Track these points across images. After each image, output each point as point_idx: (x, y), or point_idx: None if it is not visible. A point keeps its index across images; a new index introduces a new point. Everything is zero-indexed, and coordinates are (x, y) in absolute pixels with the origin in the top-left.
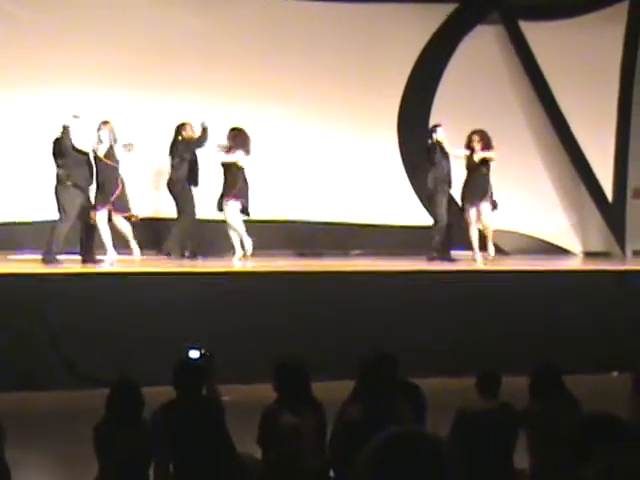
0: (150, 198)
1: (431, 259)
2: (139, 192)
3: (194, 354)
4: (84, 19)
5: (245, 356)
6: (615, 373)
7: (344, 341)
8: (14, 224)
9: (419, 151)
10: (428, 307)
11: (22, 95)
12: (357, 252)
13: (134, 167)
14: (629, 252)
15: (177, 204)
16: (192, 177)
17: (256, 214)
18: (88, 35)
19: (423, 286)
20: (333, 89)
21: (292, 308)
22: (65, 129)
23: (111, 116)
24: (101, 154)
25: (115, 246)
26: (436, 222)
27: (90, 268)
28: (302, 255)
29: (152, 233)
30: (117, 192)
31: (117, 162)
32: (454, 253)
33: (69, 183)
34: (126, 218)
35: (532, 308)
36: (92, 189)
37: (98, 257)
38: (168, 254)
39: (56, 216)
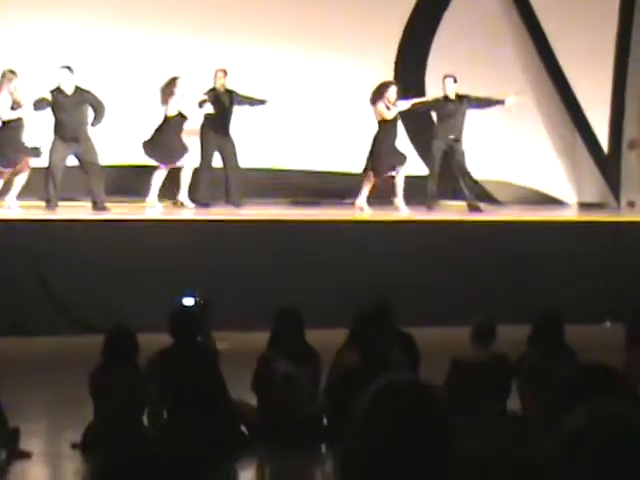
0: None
1: (429, 208)
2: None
3: (188, 301)
4: None
5: (241, 303)
6: (608, 323)
7: (340, 289)
8: None
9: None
10: (423, 257)
11: None
12: (352, 201)
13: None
14: (623, 203)
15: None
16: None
17: (252, 162)
18: None
19: (418, 235)
20: (325, 35)
21: (288, 256)
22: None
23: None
24: None
25: None
26: (431, 171)
27: (88, 215)
28: (297, 203)
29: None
30: None
31: None
32: (447, 203)
33: None
34: None
35: (528, 259)
36: None
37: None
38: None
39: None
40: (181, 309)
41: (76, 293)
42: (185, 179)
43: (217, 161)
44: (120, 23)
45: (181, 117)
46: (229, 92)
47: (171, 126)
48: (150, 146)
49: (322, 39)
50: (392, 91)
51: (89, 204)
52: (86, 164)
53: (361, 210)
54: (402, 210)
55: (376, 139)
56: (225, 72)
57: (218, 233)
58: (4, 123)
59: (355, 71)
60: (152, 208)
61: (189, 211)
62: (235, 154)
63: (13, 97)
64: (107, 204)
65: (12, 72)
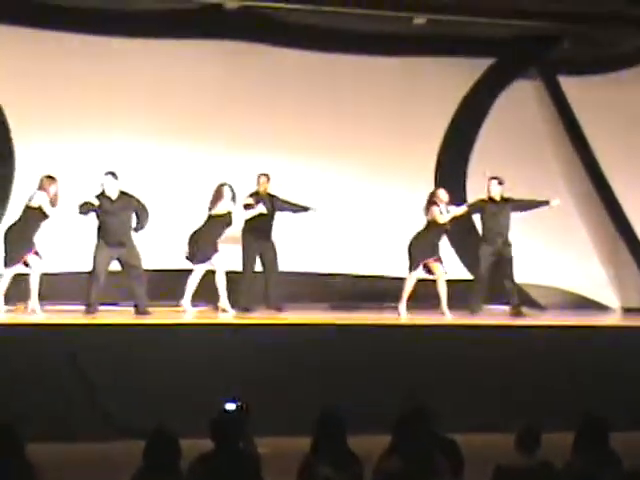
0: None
1: (473, 313)
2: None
3: (230, 406)
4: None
5: (282, 408)
6: None
7: (381, 394)
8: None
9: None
10: (466, 361)
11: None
12: (392, 305)
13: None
14: None
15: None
16: None
17: (292, 266)
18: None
19: (461, 340)
20: (370, 143)
21: (329, 360)
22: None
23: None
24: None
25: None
26: (476, 277)
27: (129, 319)
28: (337, 307)
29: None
30: None
31: None
32: (491, 308)
33: None
34: None
35: (571, 364)
36: None
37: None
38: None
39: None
40: (223, 414)
41: (118, 398)
42: (220, 283)
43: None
44: (165, 132)
45: (227, 219)
46: (271, 197)
47: (211, 227)
48: (188, 244)
49: (363, 146)
50: (442, 193)
51: (131, 308)
52: (129, 268)
53: (399, 314)
54: (446, 315)
55: (417, 238)
56: (268, 177)
57: (259, 337)
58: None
59: (394, 177)
60: (185, 312)
61: (230, 315)
62: (276, 259)
63: (52, 203)
64: (149, 308)
65: (50, 177)
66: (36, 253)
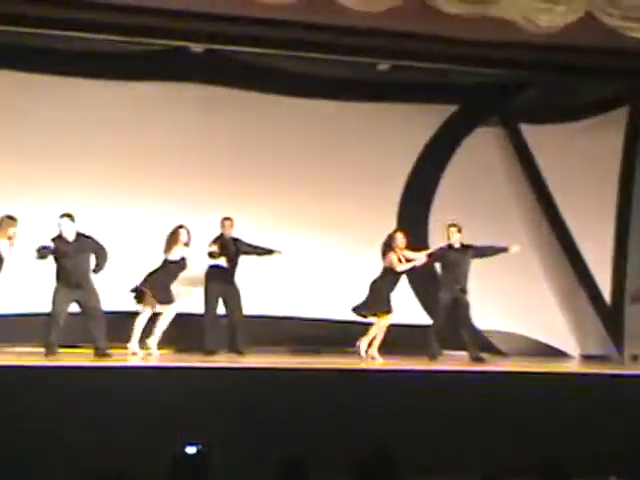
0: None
1: (432, 358)
2: None
3: (191, 450)
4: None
5: (243, 452)
6: (613, 478)
7: (343, 439)
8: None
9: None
10: (425, 407)
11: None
12: (354, 349)
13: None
14: (627, 356)
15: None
16: None
17: (252, 310)
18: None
19: (423, 385)
20: (334, 187)
21: (291, 405)
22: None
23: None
24: None
25: None
26: (434, 322)
27: (89, 361)
28: (299, 352)
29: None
30: None
31: None
32: (451, 354)
33: None
34: None
35: (531, 409)
36: None
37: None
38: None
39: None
40: (183, 457)
41: (77, 440)
42: (161, 326)
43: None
44: (122, 171)
45: (182, 264)
46: (235, 240)
47: (168, 271)
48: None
49: (326, 190)
50: (400, 239)
51: (90, 350)
52: (89, 310)
53: (372, 359)
54: (378, 359)
55: (376, 283)
56: (232, 221)
57: (220, 381)
58: None
59: (356, 221)
60: (133, 355)
61: (191, 358)
62: (240, 302)
63: (12, 244)
64: (108, 350)
65: (10, 218)
66: None
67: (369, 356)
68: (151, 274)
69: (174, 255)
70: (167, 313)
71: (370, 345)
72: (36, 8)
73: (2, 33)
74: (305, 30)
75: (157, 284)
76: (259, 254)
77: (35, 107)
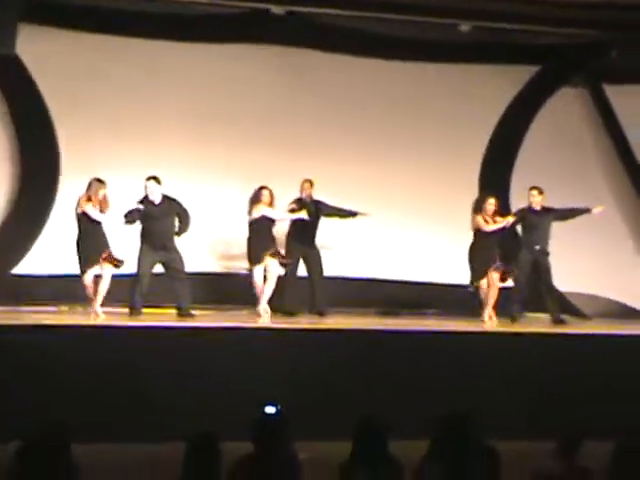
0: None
1: (514, 320)
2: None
3: (271, 410)
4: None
5: (323, 413)
6: None
7: (422, 400)
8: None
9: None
10: (506, 368)
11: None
12: (433, 311)
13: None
14: None
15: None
16: None
17: (336, 272)
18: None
19: (501, 347)
20: (417, 149)
21: (370, 366)
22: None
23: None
24: None
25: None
26: (515, 285)
27: (173, 321)
28: (383, 314)
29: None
30: None
31: None
32: (531, 315)
33: None
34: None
35: (614, 372)
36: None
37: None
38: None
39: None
40: (263, 417)
41: (161, 400)
42: (269, 288)
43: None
44: (204, 135)
45: (266, 221)
46: (315, 202)
47: (255, 230)
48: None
49: (409, 152)
50: (490, 204)
51: (174, 311)
52: (173, 271)
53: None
54: (487, 322)
55: (471, 251)
56: (311, 182)
57: (301, 341)
58: (86, 228)
59: (439, 183)
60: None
61: (274, 319)
62: (320, 264)
63: (101, 206)
64: (193, 311)
65: (99, 181)
66: (107, 257)
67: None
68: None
69: (256, 214)
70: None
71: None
72: None
73: None
74: None
75: (249, 249)
76: (341, 216)
77: (117, 70)
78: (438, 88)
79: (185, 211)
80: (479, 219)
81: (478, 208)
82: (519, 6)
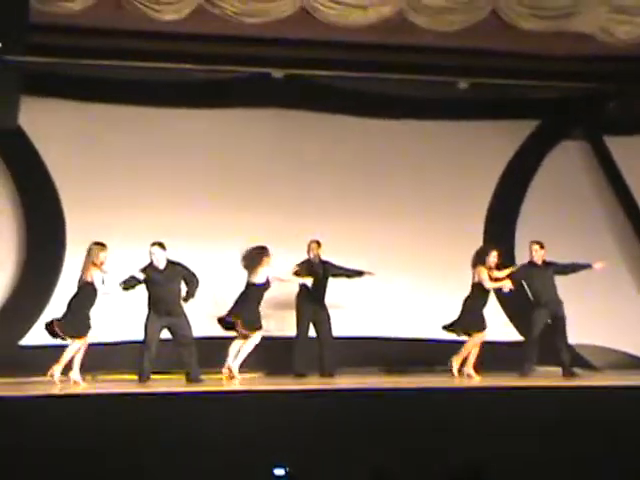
0: None
1: (524, 374)
2: None
3: (279, 472)
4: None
5: (332, 474)
6: None
7: (432, 458)
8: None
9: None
10: (517, 424)
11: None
12: (443, 368)
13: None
14: None
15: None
16: None
17: (343, 331)
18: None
19: (512, 402)
20: (420, 206)
21: (380, 425)
22: None
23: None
24: None
25: None
26: (529, 339)
27: (182, 387)
28: (390, 372)
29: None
30: None
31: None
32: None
33: None
34: None
35: (625, 426)
36: None
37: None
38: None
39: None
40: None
41: (169, 466)
42: (246, 350)
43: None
44: (206, 198)
45: (266, 286)
46: (323, 263)
47: (254, 295)
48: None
49: (412, 209)
50: (493, 257)
51: (181, 376)
52: (179, 337)
53: (469, 377)
54: (474, 377)
55: (467, 300)
56: (319, 243)
57: (311, 403)
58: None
59: (444, 238)
60: (232, 379)
61: (284, 381)
62: (329, 325)
63: (102, 270)
64: (200, 376)
65: (100, 244)
66: None
67: (465, 374)
68: (237, 302)
69: (259, 278)
70: (254, 338)
71: (464, 363)
72: (118, 40)
73: (83, 66)
74: (384, 52)
75: (244, 312)
76: (349, 276)
77: (117, 138)
78: (439, 145)
79: (192, 274)
80: (483, 273)
81: (481, 260)
82: (516, 62)
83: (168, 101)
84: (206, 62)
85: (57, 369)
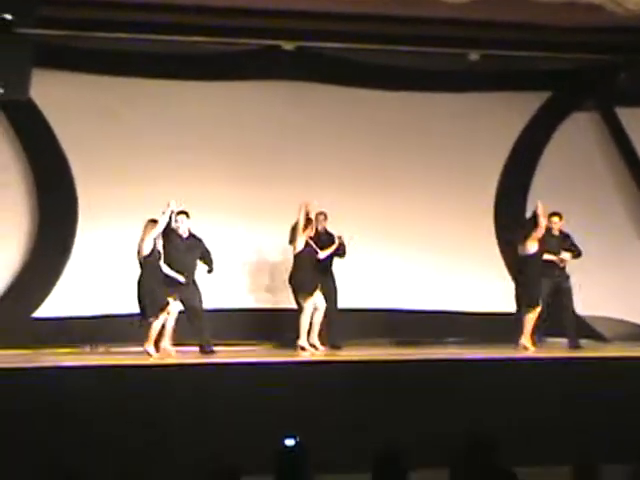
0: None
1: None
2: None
3: (290, 442)
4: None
5: (341, 445)
6: None
7: (441, 428)
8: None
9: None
10: (525, 393)
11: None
12: (454, 340)
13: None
14: None
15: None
16: None
17: (354, 303)
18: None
19: (521, 373)
20: (430, 178)
21: (389, 396)
22: None
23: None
24: None
25: None
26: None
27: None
28: (399, 343)
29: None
30: None
31: None
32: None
33: None
34: None
35: (631, 397)
36: None
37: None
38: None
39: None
40: (283, 450)
41: (181, 435)
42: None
43: None
44: (217, 170)
45: (311, 252)
46: (329, 235)
47: (303, 261)
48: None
49: (422, 181)
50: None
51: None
52: (191, 309)
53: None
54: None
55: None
56: (325, 215)
57: (318, 374)
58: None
59: (453, 211)
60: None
61: (291, 353)
62: (336, 297)
63: (156, 244)
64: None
65: (153, 221)
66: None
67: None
68: (292, 274)
69: (299, 245)
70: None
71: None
72: (128, 13)
73: (96, 39)
74: (393, 24)
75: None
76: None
77: (128, 110)
78: (450, 118)
79: (209, 252)
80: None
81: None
82: (526, 33)
83: (179, 74)
84: (217, 35)
85: (148, 346)
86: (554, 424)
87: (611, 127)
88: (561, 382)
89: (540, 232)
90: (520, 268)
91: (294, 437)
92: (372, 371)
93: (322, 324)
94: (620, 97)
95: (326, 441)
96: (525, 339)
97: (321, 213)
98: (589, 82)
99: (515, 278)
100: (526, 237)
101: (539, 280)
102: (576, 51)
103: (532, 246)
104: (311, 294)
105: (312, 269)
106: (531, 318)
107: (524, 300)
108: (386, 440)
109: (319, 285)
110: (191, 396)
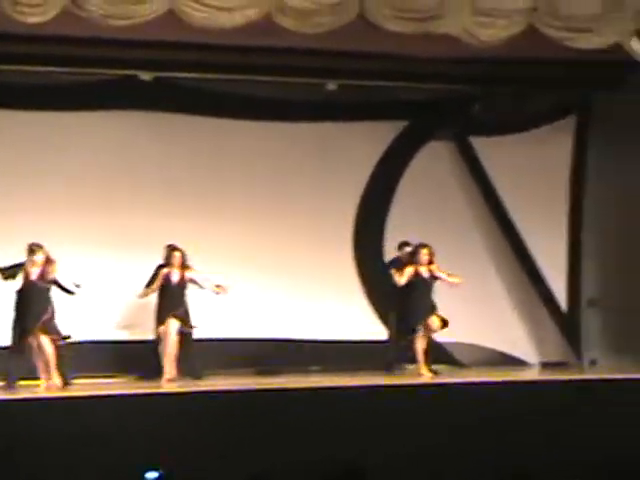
0: None
1: (389, 372)
2: None
3: (152, 475)
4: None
5: (206, 475)
6: None
7: (305, 456)
8: None
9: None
10: (390, 420)
11: None
12: (316, 368)
13: None
14: (586, 361)
15: None
16: None
17: (215, 332)
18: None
19: (387, 400)
20: (287, 208)
21: (254, 427)
22: None
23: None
24: None
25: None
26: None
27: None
28: (260, 373)
29: None
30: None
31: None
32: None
33: None
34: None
35: (492, 419)
36: None
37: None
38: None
39: None
40: None
41: (39, 470)
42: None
43: None
44: (74, 201)
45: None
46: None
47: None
48: None
49: (280, 211)
50: (423, 254)
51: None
52: None
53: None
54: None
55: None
56: (181, 251)
57: (179, 405)
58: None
59: (311, 240)
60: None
61: (151, 385)
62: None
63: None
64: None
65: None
66: None
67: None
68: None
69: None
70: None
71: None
72: None
73: None
74: (251, 54)
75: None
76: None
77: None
78: (308, 148)
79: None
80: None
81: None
82: (384, 63)
83: (38, 104)
84: (74, 65)
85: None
86: (418, 451)
87: (466, 156)
88: (423, 408)
89: (414, 261)
90: (397, 297)
91: (156, 469)
92: (233, 401)
93: (180, 354)
94: (475, 127)
95: (189, 473)
96: (420, 366)
97: (177, 249)
98: (445, 112)
99: (388, 306)
100: (400, 268)
101: (416, 307)
102: (433, 81)
103: (407, 275)
104: (163, 323)
105: (165, 299)
106: (419, 346)
107: (402, 327)
108: (249, 470)
109: (173, 314)
110: (49, 431)
